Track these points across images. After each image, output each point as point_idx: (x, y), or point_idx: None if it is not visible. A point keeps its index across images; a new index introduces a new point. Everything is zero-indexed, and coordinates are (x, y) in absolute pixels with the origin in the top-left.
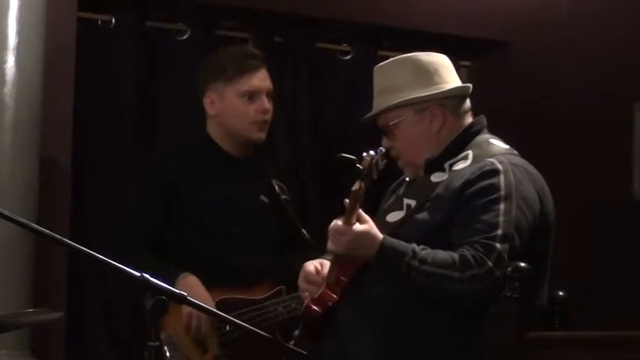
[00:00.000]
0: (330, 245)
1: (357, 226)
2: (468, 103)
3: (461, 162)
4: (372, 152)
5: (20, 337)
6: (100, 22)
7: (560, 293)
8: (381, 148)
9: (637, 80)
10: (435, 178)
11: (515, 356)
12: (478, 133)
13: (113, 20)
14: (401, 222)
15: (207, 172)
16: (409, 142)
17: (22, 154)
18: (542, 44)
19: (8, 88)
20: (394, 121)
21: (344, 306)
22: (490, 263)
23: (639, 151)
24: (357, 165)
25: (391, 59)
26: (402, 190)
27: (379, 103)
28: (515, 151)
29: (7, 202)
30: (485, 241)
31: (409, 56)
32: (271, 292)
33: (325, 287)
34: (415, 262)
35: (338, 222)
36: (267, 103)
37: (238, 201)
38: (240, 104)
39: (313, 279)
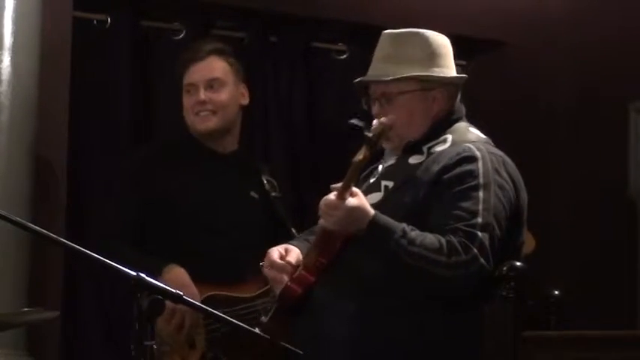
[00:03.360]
0: (321, 221)
1: (350, 201)
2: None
3: (439, 145)
4: (383, 120)
5: (16, 337)
6: (95, 22)
7: (556, 292)
8: (391, 116)
9: (632, 80)
10: (413, 160)
11: (511, 356)
12: (457, 120)
13: (109, 20)
14: (379, 204)
15: (193, 169)
16: (408, 116)
17: (17, 154)
18: (537, 44)
19: (4, 88)
20: (400, 91)
21: (323, 288)
22: (475, 250)
23: (634, 151)
24: (366, 133)
25: (403, 30)
26: (379, 173)
27: (390, 69)
28: (491, 142)
29: (3, 201)
30: (467, 228)
31: (424, 32)
32: (261, 290)
33: (303, 269)
34: (404, 242)
35: (331, 197)
36: (200, 96)
37: (226, 197)
38: (185, 99)
39: (278, 265)
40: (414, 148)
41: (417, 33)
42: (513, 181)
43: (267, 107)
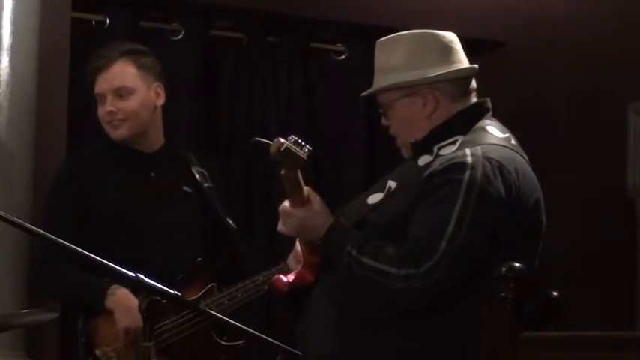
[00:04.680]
0: (279, 226)
1: (304, 209)
2: (472, 84)
3: (448, 147)
4: (281, 139)
5: (15, 338)
6: (94, 23)
7: (555, 293)
8: (292, 136)
9: (631, 80)
10: (422, 161)
11: (510, 356)
12: (479, 117)
13: (107, 20)
14: (376, 205)
15: (121, 174)
16: (402, 124)
17: (16, 155)
18: (537, 44)
19: (2, 89)
20: (387, 102)
21: (316, 288)
22: (430, 263)
23: (633, 150)
24: (270, 150)
25: (394, 35)
26: (392, 172)
27: (375, 81)
28: (512, 142)
29: (2, 202)
30: (430, 238)
31: (410, 35)
32: (202, 291)
33: (302, 266)
34: (354, 252)
35: (285, 203)
36: (108, 106)
37: (159, 197)
38: (98, 107)
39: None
40: (423, 147)
41: (398, 37)
42: (509, 188)
43: (265, 108)
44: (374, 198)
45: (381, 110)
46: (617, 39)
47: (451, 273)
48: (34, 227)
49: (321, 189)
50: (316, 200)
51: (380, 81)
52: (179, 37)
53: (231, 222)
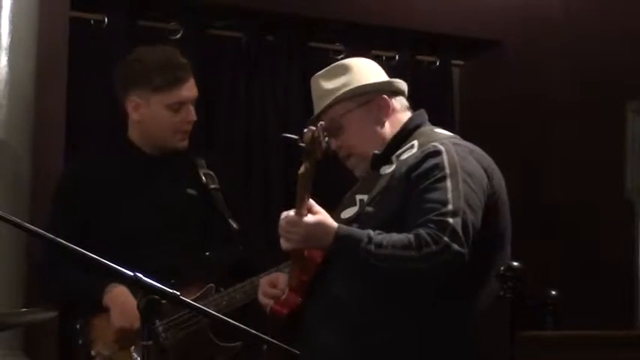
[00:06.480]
0: (282, 242)
1: (310, 217)
2: (405, 100)
3: (407, 151)
4: (312, 127)
5: (13, 337)
6: (92, 22)
7: (553, 292)
8: (321, 122)
9: (629, 79)
10: (384, 170)
11: (509, 356)
12: (420, 125)
13: (105, 20)
14: (354, 217)
15: (127, 177)
16: (358, 134)
17: (14, 154)
18: (534, 43)
19: (1, 88)
20: (341, 113)
21: (309, 307)
22: (446, 239)
23: (631, 150)
24: (300, 144)
25: (328, 67)
26: (354, 187)
27: (323, 103)
28: (459, 139)
29: (0, 201)
30: (437, 217)
31: (347, 61)
32: (200, 292)
33: (289, 290)
34: (371, 247)
35: (289, 214)
36: (192, 114)
37: (161, 201)
38: (166, 115)
39: (273, 293)
40: (382, 159)
41: (340, 64)
42: (484, 169)
43: (264, 107)
44: (348, 212)
45: (331, 130)
46: (615, 38)
47: (463, 245)
48: (32, 227)
49: (319, 189)
50: (317, 207)
51: (327, 101)
52: (177, 36)
53: (233, 223)
